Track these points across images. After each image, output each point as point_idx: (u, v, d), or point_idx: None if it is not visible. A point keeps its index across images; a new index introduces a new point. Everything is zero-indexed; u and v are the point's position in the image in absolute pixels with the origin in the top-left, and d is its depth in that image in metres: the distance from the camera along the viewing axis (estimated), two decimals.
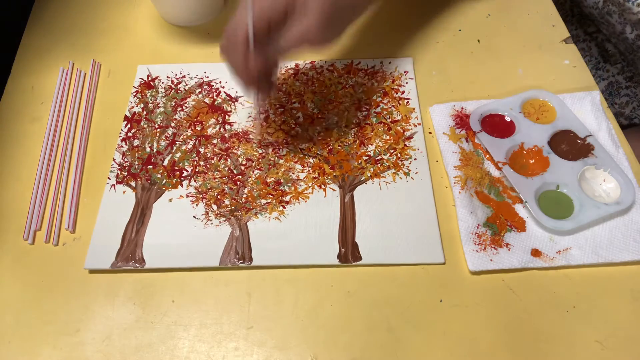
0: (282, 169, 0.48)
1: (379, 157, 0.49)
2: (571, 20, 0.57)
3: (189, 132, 0.51)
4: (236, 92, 0.54)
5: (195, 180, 0.48)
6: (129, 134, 0.51)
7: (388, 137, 0.50)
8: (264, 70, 0.42)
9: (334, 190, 0.47)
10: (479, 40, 0.57)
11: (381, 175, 0.47)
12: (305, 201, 0.46)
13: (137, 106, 0.53)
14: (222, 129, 0.51)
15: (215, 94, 0.54)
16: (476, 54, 0.56)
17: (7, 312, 0.42)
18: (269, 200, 0.46)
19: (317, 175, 0.48)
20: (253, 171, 0.48)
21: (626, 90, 0.69)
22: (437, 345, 0.39)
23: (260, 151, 0.49)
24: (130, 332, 0.40)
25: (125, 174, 0.49)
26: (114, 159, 0.50)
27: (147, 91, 0.54)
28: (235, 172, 0.48)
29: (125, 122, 0.52)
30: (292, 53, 0.41)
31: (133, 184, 0.48)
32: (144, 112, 0.53)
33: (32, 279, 0.43)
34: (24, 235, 0.45)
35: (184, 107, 0.53)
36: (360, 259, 0.43)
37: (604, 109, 0.50)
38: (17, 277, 0.43)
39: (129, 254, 0.44)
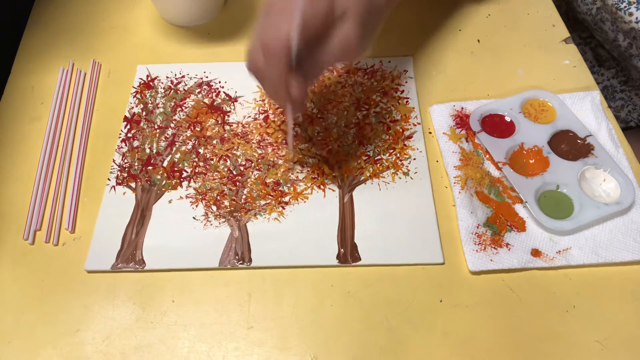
0: (282, 170, 0.48)
1: (378, 157, 0.49)
2: (566, 24, 0.57)
3: (189, 133, 0.51)
4: (235, 92, 0.54)
5: (194, 181, 0.48)
6: (129, 135, 0.51)
7: (387, 137, 0.50)
8: (306, 90, 0.35)
9: (333, 190, 0.47)
10: (479, 40, 0.57)
11: (380, 175, 0.47)
12: (305, 202, 0.46)
13: (136, 107, 0.53)
14: (221, 129, 0.51)
15: (214, 94, 0.54)
16: (476, 54, 0.56)
17: (7, 312, 0.42)
18: (268, 201, 0.46)
19: (316, 176, 0.48)
20: (252, 172, 0.48)
21: (621, 94, 0.69)
22: (437, 345, 0.39)
23: (260, 151, 0.49)
24: (130, 332, 0.40)
25: (125, 175, 0.49)
26: (113, 160, 0.50)
27: (146, 91, 0.54)
28: (234, 172, 0.48)
29: (125, 122, 0.52)
30: (331, 66, 0.35)
31: (133, 185, 0.48)
32: (144, 113, 0.53)
33: (32, 279, 0.43)
34: (24, 235, 0.45)
35: (183, 108, 0.53)
36: (360, 259, 0.43)
37: (604, 109, 0.50)
38: (17, 277, 0.43)
39: (129, 256, 0.44)
